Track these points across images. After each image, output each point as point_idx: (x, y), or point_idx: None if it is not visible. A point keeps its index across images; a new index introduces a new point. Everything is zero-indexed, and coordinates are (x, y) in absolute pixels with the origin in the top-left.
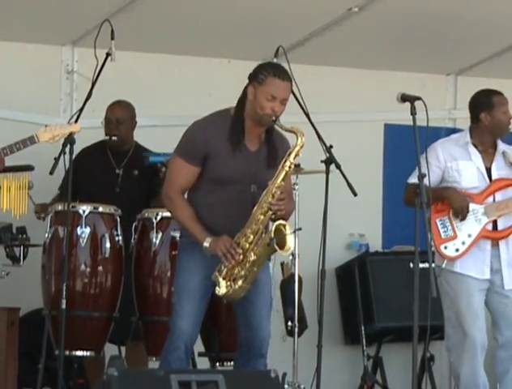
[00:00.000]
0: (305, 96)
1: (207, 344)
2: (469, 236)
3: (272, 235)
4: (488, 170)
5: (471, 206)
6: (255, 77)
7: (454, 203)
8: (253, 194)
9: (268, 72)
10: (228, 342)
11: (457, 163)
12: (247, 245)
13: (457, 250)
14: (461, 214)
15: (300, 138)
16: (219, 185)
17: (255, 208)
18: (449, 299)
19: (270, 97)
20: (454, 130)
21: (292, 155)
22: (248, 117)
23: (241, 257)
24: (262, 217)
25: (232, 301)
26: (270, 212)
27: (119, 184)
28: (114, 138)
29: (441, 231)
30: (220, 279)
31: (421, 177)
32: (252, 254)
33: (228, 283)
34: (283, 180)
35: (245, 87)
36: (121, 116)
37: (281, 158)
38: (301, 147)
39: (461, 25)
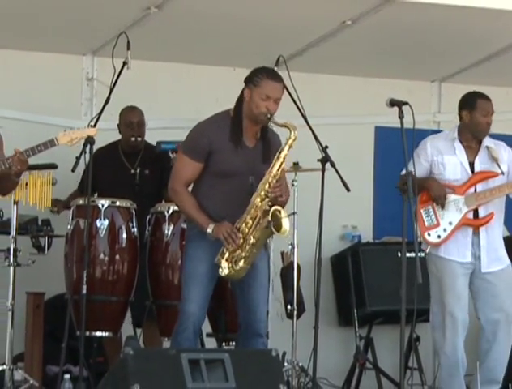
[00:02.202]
0: (302, 101)
1: (214, 326)
2: (450, 224)
3: (270, 218)
4: (472, 164)
5: (453, 196)
6: (251, 80)
7: (433, 191)
8: (251, 185)
9: (262, 75)
10: (233, 324)
11: (442, 157)
12: (246, 230)
13: (439, 237)
14: (439, 201)
15: (292, 132)
16: (221, 178)
17: (254, 196)
18: (435, 280)
19: (264, 97)
20: (438, 132)
21: (286, 147)
22: (245, 117)
23: (242, 240)
24: (260, 204)
25: (234, 280)
26: (267, 199)
27: (137, 183)
28: (139, 138)
29: (425, 219)
30: (223, 262)
31: (409, 174)
32: (251, 237)
33: (230, 265)
34: (278, 170)
35: (242, 90)
36: (140, 119)
37: (275, 151)
38: (294, 139)
39: (444, 37)
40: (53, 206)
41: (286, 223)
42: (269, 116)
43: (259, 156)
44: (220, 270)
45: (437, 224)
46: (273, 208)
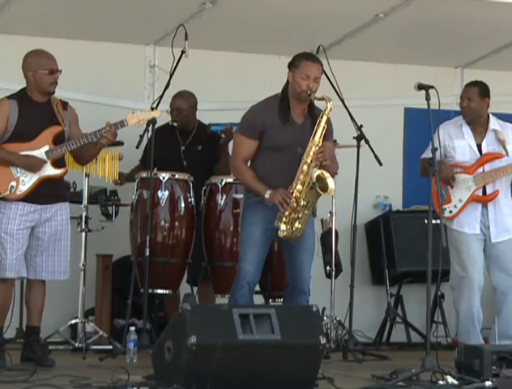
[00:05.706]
0: (340, 85)
1: (262, 284)
2: (460, 201)
3: (314, 180)
4: (479, 146)
5: (463, 176)
6: (293, 64)
7: (442, 173)
8: (300, 156)
9: (302, 58)
10: (278, 282)
11: (453, 141)
12: (298, 194)
13: (450, 212)
14: (447, 182)
15: (328, 103)
16: (273, 152)
17: (301, 164)
18: (454, 248)
19: (304, 76)
20: (460, 112)
21: (324, 117)
22: (291, 97)
23: (295, 204)
24: (306, 169)
25: (292, 241)
26: (313, 164)
27: (191, 157)
28: (175, 123)
29: (439, 195)
30: (281, 225)
31: (434, 150)
32: (302, 200)
33: (288, 226)
34: (320, 137)
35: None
36: (180, 106)
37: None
38: (330, 109)
39: (466, 28)
40: (117, 179)
41: (331, 183)
42: (309, 93)
43: (308, 130)
44: (279, 232)
45: (449, 201)
46: (317, 172)
